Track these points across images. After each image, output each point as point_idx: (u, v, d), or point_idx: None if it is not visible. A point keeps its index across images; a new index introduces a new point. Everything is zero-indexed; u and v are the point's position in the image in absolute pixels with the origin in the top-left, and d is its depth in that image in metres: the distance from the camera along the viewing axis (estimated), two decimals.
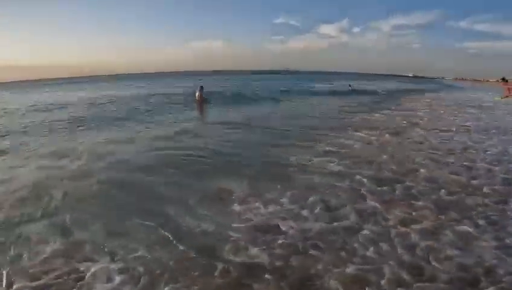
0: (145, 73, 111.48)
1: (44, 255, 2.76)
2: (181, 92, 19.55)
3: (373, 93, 22.82)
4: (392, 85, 35.83)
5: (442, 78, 76.46)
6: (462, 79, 67.63)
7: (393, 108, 13.34)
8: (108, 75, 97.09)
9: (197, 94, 13.26)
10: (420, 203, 3.74)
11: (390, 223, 3.24)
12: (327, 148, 6.12)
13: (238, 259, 2.64)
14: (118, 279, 2.45)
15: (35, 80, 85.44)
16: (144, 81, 39.56)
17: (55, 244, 2.92)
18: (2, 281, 2.44)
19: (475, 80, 60.65)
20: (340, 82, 36.04)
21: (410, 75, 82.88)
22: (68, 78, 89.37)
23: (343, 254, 2.72)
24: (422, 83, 45.99)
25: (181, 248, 2.83)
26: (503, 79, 13.15)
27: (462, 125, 8.97)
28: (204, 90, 13.67)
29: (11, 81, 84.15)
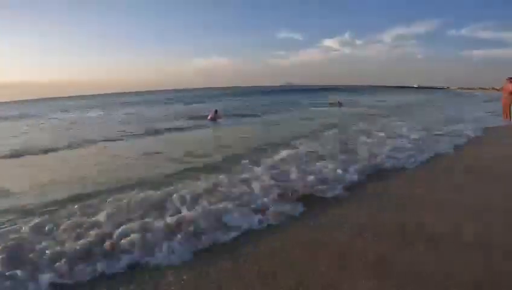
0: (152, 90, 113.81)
1: None
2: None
3: None
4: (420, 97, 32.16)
5: (447, 87, 76.59)
6: (468, 88, 67.41)
7: None
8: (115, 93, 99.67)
9: (209, 116, 14.13)
10: None
11: None
12: None
13: None
14: None
15: (50, 98, 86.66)
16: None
17: None
18: None
19: (481, 89, 60.47)
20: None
21: (415, 86, 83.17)
22: (78, 96, 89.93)
23: None
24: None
25: None
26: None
27: None
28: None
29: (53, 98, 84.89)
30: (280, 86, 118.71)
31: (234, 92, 48.37)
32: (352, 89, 64.80)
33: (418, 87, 78.81)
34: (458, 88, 71.22)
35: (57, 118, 19.30)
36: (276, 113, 17.27)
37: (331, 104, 22.42)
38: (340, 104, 22.08)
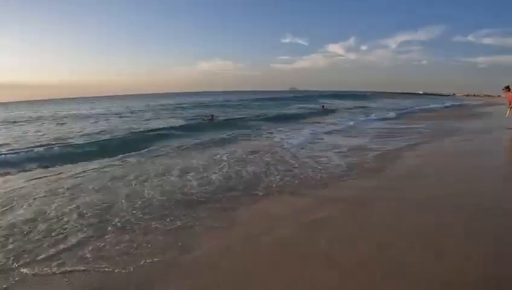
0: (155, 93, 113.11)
1: None
2: None
3: None
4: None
5: (454, 94, 75.07)
6: (474, 95, 66.05)
7: None
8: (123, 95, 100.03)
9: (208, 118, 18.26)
10: None
11: None
12: None
13: None
14: None
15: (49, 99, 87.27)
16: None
17: None
18: None
19: (487, 96, 59.22)
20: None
21: (420, 92, 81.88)
22: (84, 97, 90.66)
23: None
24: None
25: None
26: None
27: None
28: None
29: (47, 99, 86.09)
30: (285, 90, 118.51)
31: (227, 99, 47.17)
32: (354, 94, 64.38)
33: (423, 94, 77.45)
34: (464, 95, 69.85)
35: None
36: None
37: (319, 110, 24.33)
38: (323, 109, 23.98)
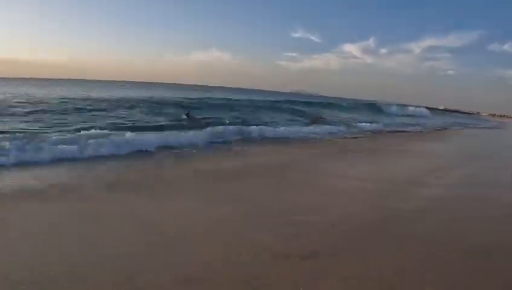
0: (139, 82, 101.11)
1: None
2: None
3: None
4: None
5: (478, 113, 68.25)
6: (502, 116, 59.25)
7: None
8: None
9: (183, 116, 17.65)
10: None
11: None
12: None
13: None
14: None
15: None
16: None
17: None
18: None
19: None
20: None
21: (441, 108, 75.23)
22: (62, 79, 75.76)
23: None
24: None
25: None
26: None
27: None
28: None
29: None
30: (287, 93, 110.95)
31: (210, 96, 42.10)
32: (369, 105, 59.37)
33: (444, 110, 70.82)
34: (489, 114, 63.15)
35: None
36: None
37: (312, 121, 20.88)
38: (322, 121, 20.98)
